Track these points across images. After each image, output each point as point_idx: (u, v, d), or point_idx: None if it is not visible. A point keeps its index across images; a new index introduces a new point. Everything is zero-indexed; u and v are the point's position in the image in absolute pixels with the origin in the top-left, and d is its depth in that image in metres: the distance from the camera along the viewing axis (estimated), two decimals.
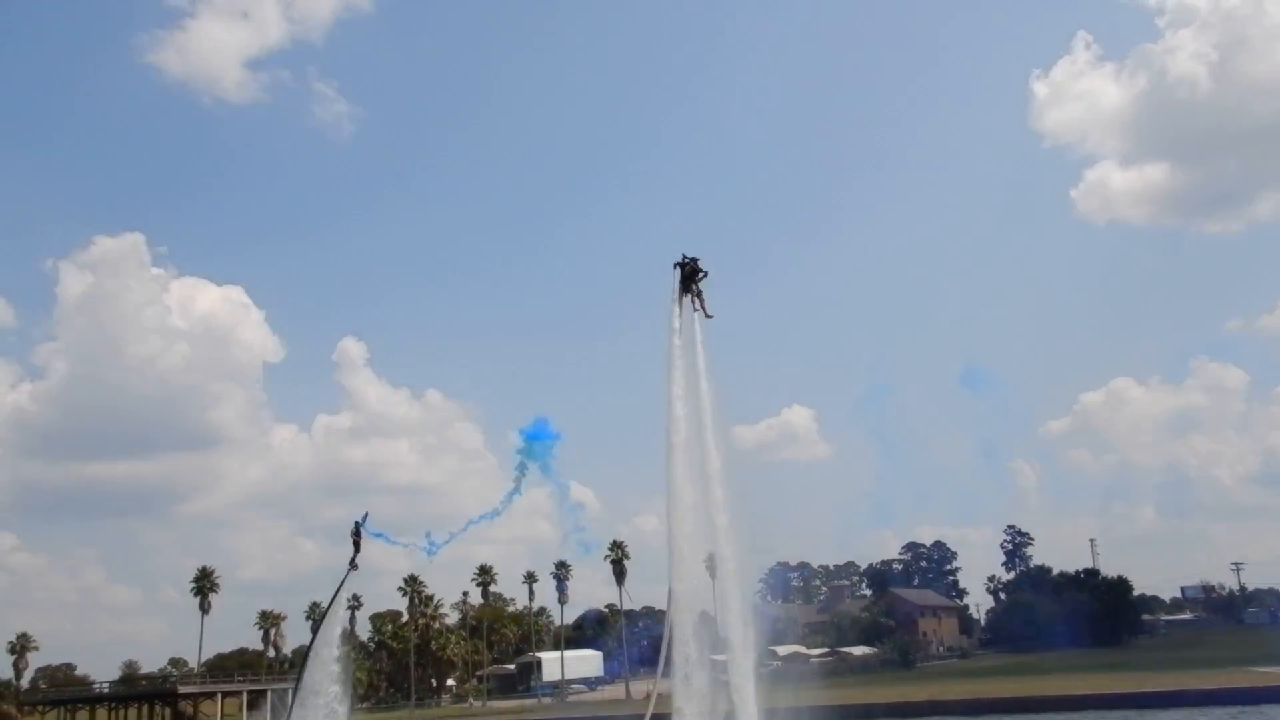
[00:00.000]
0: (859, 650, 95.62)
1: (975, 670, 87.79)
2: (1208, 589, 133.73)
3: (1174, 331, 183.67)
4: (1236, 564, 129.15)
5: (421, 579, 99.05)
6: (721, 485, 24.25)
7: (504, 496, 45.11)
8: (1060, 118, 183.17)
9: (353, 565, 42.60)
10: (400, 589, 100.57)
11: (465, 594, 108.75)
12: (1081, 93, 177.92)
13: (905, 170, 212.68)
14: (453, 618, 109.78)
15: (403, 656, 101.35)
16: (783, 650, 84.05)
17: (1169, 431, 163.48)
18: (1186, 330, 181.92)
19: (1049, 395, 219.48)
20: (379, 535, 45.12)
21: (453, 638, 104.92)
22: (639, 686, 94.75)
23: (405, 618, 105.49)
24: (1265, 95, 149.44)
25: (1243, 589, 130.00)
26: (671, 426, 24.51)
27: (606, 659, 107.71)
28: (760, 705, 23.88)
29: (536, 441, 42.05)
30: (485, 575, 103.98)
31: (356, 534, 42.17)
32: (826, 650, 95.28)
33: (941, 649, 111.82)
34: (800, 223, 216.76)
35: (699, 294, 25.98)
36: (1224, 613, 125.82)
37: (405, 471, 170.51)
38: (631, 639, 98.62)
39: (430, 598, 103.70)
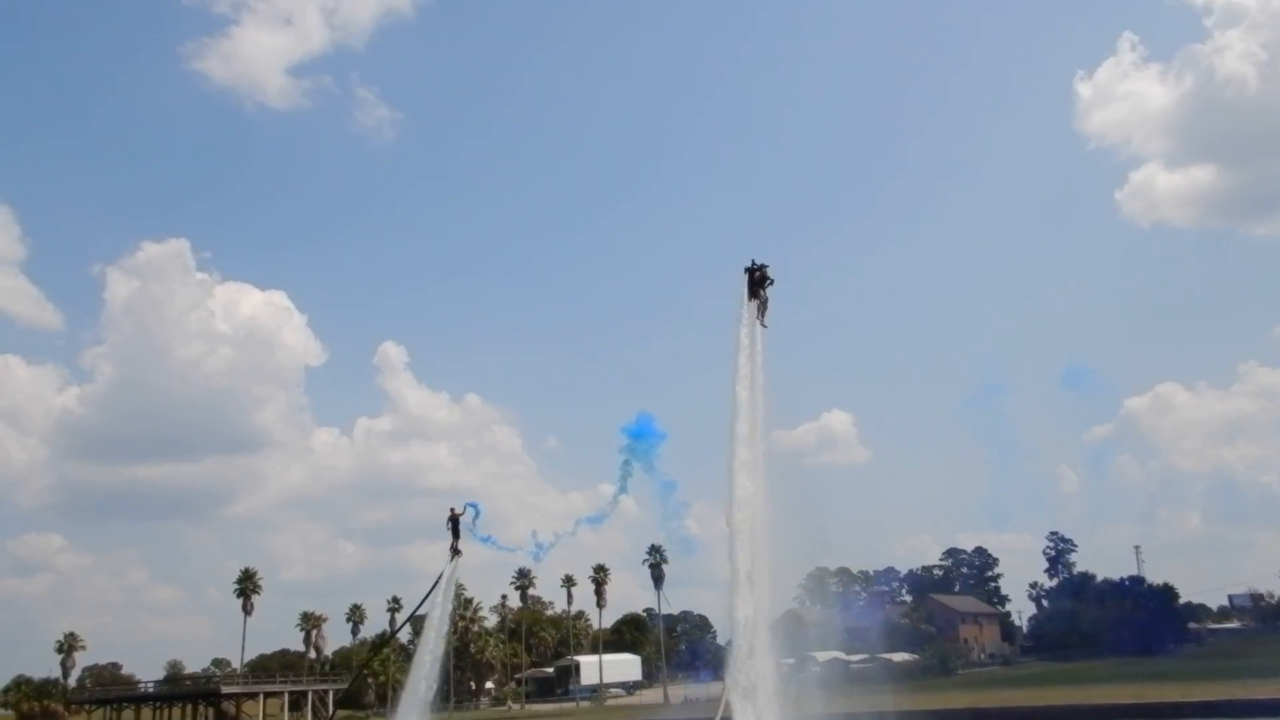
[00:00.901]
0: (899, 656, 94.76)
1: (1018, 678, 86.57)
2: (1256, 597, 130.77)
3: (1222, 336, 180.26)
4: None
5: (461, 581, 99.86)
6: (769, 490, 24.63)
7: (610, 498, 43.54)
8: (1105, 119, 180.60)
9: (456, 551, 41.18)
10: None
11: (504, 597, 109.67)
12: (1127, 94, 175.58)
13: (946, 173, 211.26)
14: (491, 620, 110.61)
15: (442, 659, 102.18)
16: (822, 656, 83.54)
17: (1216, 437, 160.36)
18: (1235, 335, 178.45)
19: (1092, 400, 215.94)
20: (487, 540, 43.40)
21: (491, 640, 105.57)
22: (678, 690, 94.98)
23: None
24: None
25: None
26: (735, 431, 24.92)
27: (645, 663, 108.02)
28: (798, 711, 24.35)
29: (641, 440, 39.89)
30: (524, 578, 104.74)
31: (454, 522, 40.89)
32: (866, 656, 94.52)
33: (983, 656, 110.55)
34: (839, 225, 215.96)
35: (764, 301, 26.62)
36: (1273, 621, 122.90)
37: (444, 475, 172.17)
38: (669, 643, 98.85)
39: (469, 600, 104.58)
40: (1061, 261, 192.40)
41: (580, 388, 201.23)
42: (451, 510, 41.19)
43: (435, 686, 42.85)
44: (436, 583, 42.68)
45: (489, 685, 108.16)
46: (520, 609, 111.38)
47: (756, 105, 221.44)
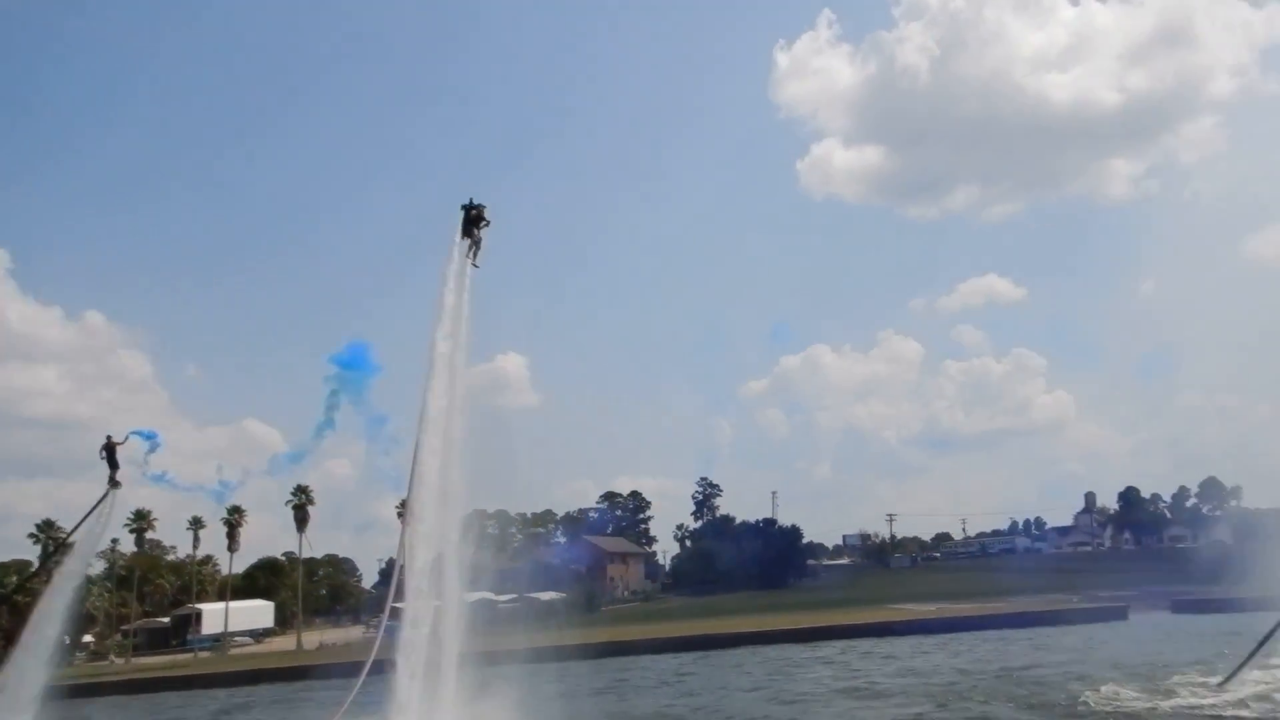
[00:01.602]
0: (546, 595, 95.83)
1: (655, 612, 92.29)
2: (864, 537, 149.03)
3: (869, 305, 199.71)
4: (890, 515, 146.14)
5: (59, 524, 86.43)
6: (455, 434, 24.43)
7: (314, 431, 38.76)
8: (797, 91, 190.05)
9: (114, 484, 34.54)
10: (32, 535, 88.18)
11: (115, 540, 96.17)
12: (819, 69, 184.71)
13: (651, 128, 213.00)
14: (98, 567, 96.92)
15: (28, 611, 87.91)
16: (471, 597, 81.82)
17: (851, 395, 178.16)
18: (879, 305, 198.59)
19: (754, 357, 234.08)
20: (161, 478, 37.38)
21: (94, 589, 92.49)
22: (313, 636, 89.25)
23: (36, 566, 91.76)
24: (973, 95, 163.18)
25: (893, 537, 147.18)
26: (433, 369, 24.38)
27: (280, 610, 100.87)
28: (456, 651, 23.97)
29: (352, 371, 36.21)
30: (141, 520, 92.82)
31: (110, 450, 34.49)
32: (514, 596, 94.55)
33: (626, 593, 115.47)
34: (539, 179, 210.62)
35: (478, 241, 26.43)
36: (875, 558, 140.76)
37: (51, 402, 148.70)
38: (310, 588, 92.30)
39: (69, 545, 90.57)
40: (743, 224, 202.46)
41: (233, 310, 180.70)
42: (108, 438, 34.74)
43: (63, 628, 35.08)
44: (88, 516, 35.10)
45: (87, 639, 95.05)
46: (135, 554, 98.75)
47: (471, 64, 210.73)
